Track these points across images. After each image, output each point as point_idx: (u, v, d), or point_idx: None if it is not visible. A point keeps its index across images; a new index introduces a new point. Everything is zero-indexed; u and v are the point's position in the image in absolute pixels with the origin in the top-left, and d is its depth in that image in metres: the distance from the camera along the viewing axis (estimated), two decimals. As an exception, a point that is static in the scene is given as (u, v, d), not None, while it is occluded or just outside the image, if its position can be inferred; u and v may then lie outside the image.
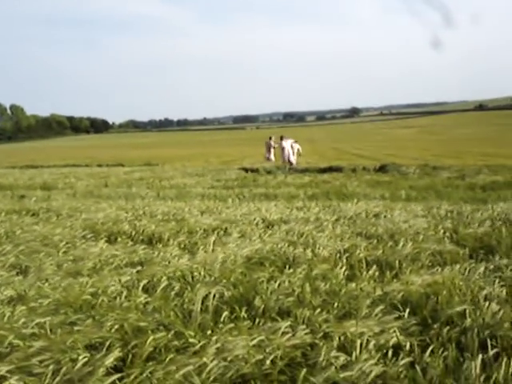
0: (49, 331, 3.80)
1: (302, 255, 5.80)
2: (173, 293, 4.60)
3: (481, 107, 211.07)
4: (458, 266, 5.17)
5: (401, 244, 6.13)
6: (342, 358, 3.27)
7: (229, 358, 3.28)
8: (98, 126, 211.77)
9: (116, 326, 3.76)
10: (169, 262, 5.58)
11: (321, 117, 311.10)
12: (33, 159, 49.63)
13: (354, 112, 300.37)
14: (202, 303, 4.25)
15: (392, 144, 58.16)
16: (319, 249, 6.04)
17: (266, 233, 7.21)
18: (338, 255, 5.82)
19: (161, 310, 4.11)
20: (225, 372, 3.18)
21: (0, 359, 3.37)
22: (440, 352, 3.34)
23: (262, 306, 4.21)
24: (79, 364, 3.24)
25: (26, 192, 16.47)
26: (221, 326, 3.84)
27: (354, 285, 4.65)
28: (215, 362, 3.22)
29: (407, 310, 3.98)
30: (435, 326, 3.77)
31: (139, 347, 3.46)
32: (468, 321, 3.77)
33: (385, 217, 8.41)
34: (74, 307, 4.31)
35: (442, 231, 6.92)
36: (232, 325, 3.80)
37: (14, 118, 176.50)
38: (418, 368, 3.16)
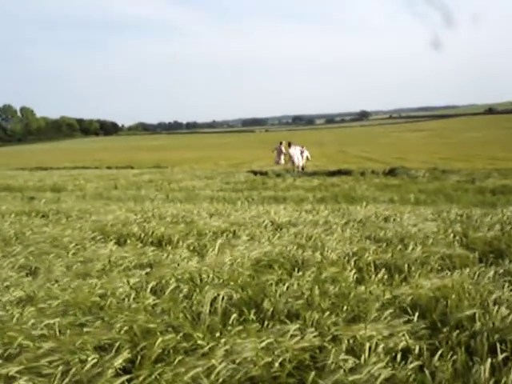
0: (58, 332, 3.81)
1: (310, 258, 5.79)
2: (181, 295, 4.60)
3: (490, 111, 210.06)
4: (467, 270, 5.15)
5: (410, 248, 6.11)
6: (351, 361, 3.26)
7: (237, 361, 3.28)
8: (108, 129, 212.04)
9: (125, 328, 3.77)
10: (178, 265, 5.58)
11: (330, 120, 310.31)
12: (42, 161, 49.85)
13: (363, 115, 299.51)
14: (211, 305, 4.25)
15: (401, 147, 58.05)
16: (328, 252, 6.03)
17: (275, 235, 7.20)
18: (347, 258, 5.81)
19: (169, 311, 4.12)
20: (233, 374, 3.17)
21: (9, 360, 3.38)
22: (449, 356, 3.32)
23: (271, 309, 4.21)
24: (88, 365, 3.25)
25: (35, 194, 16.55)
26: (229, 328, 3.83)
27: (363, 288, 4.63)
28: (224, 364, 3.22)
29: (416, 314, 3.96)
30: (444, 329, 3.75)
31: (148, 349, 3.46)
32: (477, 325, 3.75)
33: (394, 220, 8.39)
34: (83, 308, 4.32)
35: (451, 235, 6.89)
36: (241, 327, 3.79)
37: (24, 120, 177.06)
38: (426, 372, 3.15)
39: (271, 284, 4.78)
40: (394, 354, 3.37)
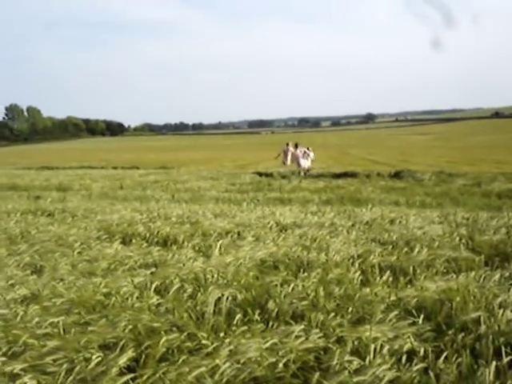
0: (62, 331, 3.82)
1: (315, 259, 5.78)
2: (186, 295, 4.60)
3: (497, 115, 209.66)
4: (473, 273, 5.12)
5: (416, 250, 6.09)
6: (356, 362, 3.25)
7: (241, 361, 3.28)
8: (114, 129, 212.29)
9: (129, 327, 3.77)
10: (183, 265, 5.58)
11: (336, 122, 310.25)
12: (49, 161, 49.98)
13: (369, 118, 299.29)
14: (215, 305, 4.25)
15: (407, 150, 57.94)
16: (333, 254, 6.02)
17: (280, 237, 7.19)
18: (352, 260, 5.79)
19: (174, 311, 4.12)
20: (237, 374, 3.17)
21: (14, 358, 3.39)
22: (454, 358, 3.32)
23: (276, 310, 4.20)
24: (92, 363, 3.25)
25: (41, 193, 16.60)
26: (234, 328, 3.83)
27: (368, 290, 4.62)
28: (228, 364, 3.22)
29: (421, 316, 3.95)
30: (449, 332, 3.74)
31: (152, 348, 3.47)
32: (483, 328, 3.74)
33: (400, 223, 8.37)
34: (88, 307, 4.32)
35: (457, 238, 6.87)
36: (245, 327, 3.79)
37: (30, 119, 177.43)
38: (431, 374, 3.14)
39: (276, 285, 4.77)
40: (398, 356, 3.36)
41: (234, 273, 5.19)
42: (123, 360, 3.29)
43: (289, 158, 30.72)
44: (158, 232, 7.55)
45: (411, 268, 5.38)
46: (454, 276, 5.05)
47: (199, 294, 4.51)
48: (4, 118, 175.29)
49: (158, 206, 11.72)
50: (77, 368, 3.22)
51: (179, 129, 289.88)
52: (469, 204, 13.34)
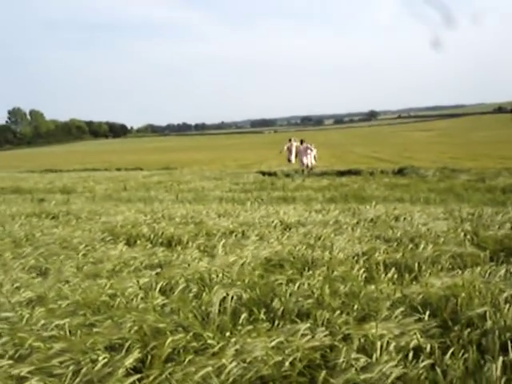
0: (68, 333, 3.82)
1: (320, 257, 5.77)
2: (191, 295, 4.60)
3: (500, 109, 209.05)
4: (478, 269, 5.12)
5: (421, 247, 6.08)
6: (363, 359, 3.25)
7: (248, 360, 3.28)
8: (117, 131, 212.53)
9: (135, 328, 3.78)
10: (188, 265, 5.58)
11: (339, 120, 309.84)
12: (52, 163, 50.05)
13: (371, 115, 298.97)
14: (220, 305, 4.25)
15: (410, 147, 57.84)
16: (338, 251, 6.02)
17: (284, 235, 7.19)
18: (357, 258, 5.79)
19: (179, 311, 4.12)
20: (244, 373, 3.17)
21: (21, 360, 3.39)
22: (460, 354, 3.31)
23: (281, 308, 4.20)
24: (99, 365, 3.25)
25: (45, 195, 16.63)
26: (239, 327, 3.83)
27: (373, 287, 4.62)
28: (234, 364, 3.22)
29: (427, 313, 3.94)
30: (456, 328, 3.74)
31: (158, 348, 3.47)
32: (489, 323, 3.73)
33: (404, 219, 8.36)
34: (93, 308, 4.33)
35: (462, 234, 6.86)
36: (251, 327, 3.79)
37: (33, 122, 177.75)
38: (438, 370, 3.14)
39: (281, 283, 4.77)
40: (405, 353, 3.36)
41: (239, 272, 5.19)
42: (129, 361, 3.29)
43: (293, 153, 30.46)
44: (162, 233, 7.55)
45: (416, 264, 5.37)
46: (460, 272, 5.05)
47: (204, 294, 4.51)
48: (7, 122, 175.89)
49: (162, 206, 11.73)
50: (83, 370, 3.22)
51: (182, 129, 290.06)
52: (473, 200, 13.31)
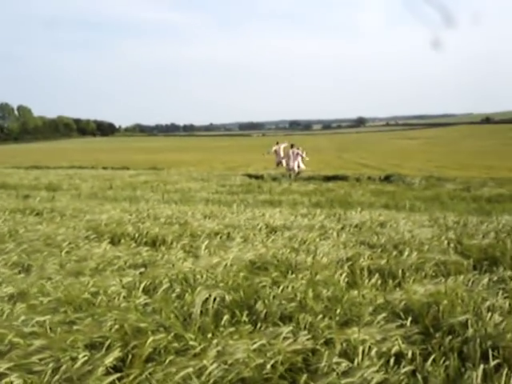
0: (49, 329, 3.79)
1: (304, 261, 5.77)
2: (174, 295, 4.58)
3: (487, 120, 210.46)
4: (461, 277, 5.14)
5: (405, 254, 6.10)
6: (344, 364, 3.25)
7: (229, 362, 3.27)
8: (105, 129, 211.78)
9: (116, 326, 3.75)
10: (173, 265, 5.56)
11: (327, 126, 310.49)
12: (39, 160, 49.79)
13: (360, 122, 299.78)
14: (203, 306, 4.23)
15: (397, 154, 58.05)
16: (322, 256, 6.02)
17: (269, 238, 7.19)
18: (341, 263, 5.79)
19: (161, 311, 4.10)
20: (225, 375, 3.16)
21: (0, 357, 3.36)
22: (442, 361, 3.32)
23: (264, 311, 4.20)
24: (79, 363, 3.24)
25: (30, 192, 16.52)
26: (221, 329, 3.82)
27: (356, 292, 4.62)
28: (215, 365, 3.21)
29: (409, 319, 3.96)
30: (437, 335, 3.75)
31: (139, 348, 3.45)
32: (470, 331, 3.74)
33: (390, 226, 8.38)
34: (74, 306, 4.30)
35: (446, 242, 6.88)
36: (233, 328, 3.78)
37: (21, 118, 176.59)
38: (419, 376, 3.15)
39: (264, 286, 4.77)
40: (387, 358, 3.36)
41: (223, 273, 5.18)
42: (110, 360, 3.28)
43: (281, 156, 30.49)
44: (147, 232, 7.53)
45: (400, 271, 5.39)
46: (443, 279, 5.06)
47: (187, 295, 4.49)
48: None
49: (148, 206, 11.69)
50: (63, 367, 3.20)
51: (170, 130, 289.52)
52: (458, 208, 13.37)
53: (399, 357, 3.42)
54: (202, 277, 5.11)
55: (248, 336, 3.62)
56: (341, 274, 5.20)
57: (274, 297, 4.45)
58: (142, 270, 5.47)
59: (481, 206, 14.53)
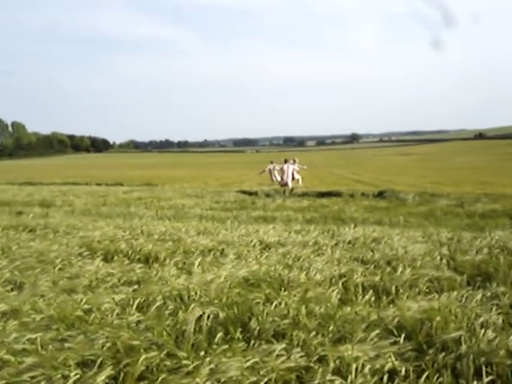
0: (40, 347, 3.77)
1: (297, 278, 5.76)
2: (167, 312, 4.56)
3: (481, 136, 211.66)
4: (455, 293, 5.14)
5: (399, 270, 6.09)
6: (337, 381, 3.24)
7: (222, 380, 3.25)
8: (99, 146, 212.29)
9: (108, 344, 3.73)
10: (166, 282, 5.55)
11: (321, 142, 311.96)
12: (32, 176, 49.70)
13: (353, 138, 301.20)
14: (197, 323, 4.22)
15: (391, 171, 58.21)
16: (315, 273, 6.01)
17: (263, 255, 7.18)
18: (335, 280, 5.79)
19: (154, 329, 4.08)
20: (217, 393, 3.14)
21: (-10, 375, 3.34)
22: (435, 378, 3.31)
23: (258, 328, 4.18)
24: (70, 381, 3.21)
25: (23, 208, 16.50)
26: (215, 347, 3.80)
27: (349, 309, 4.61)
28: (208, 383, 3.19)
29: (403, 336, 3.94)
30: (431, 351, 3.74)
31: (131, 366, 3.43)
32: (464, 347, 3.74)
33: (384, 242, 8.37)
34: (67, 323, 4.27)
35: (439, 258, 6.89)
36: (226, 346, 3.76)
37: (15, 134, 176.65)
38: (412, 393, 3.14)
39: (258, 303, 4.75)
40: (380, 376, 3.35)
41: (217, 290, 5.16)
42: (102, 378, 3.26)
43: (276, 173, 30.73)
44: (140, 249, 7.50)
45: (394, 288, 5.38)
46: (437, 296, 5.06)
47: (180, 312, 4.47)
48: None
49: (141, 223, 11.67)
50: (55, 385, 3.18)
51: (164, 146, 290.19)
52: (452, 224, 13.39)
53: (393, 374, 3.41)
54: (195, 294, 5.09)
55: (241, 353, 3.60)
56: (333, 291, 5.19)
57: (267, 314, 4.43)
58: (136, 287, 5.44)
59: (474, 222, 14.56)
